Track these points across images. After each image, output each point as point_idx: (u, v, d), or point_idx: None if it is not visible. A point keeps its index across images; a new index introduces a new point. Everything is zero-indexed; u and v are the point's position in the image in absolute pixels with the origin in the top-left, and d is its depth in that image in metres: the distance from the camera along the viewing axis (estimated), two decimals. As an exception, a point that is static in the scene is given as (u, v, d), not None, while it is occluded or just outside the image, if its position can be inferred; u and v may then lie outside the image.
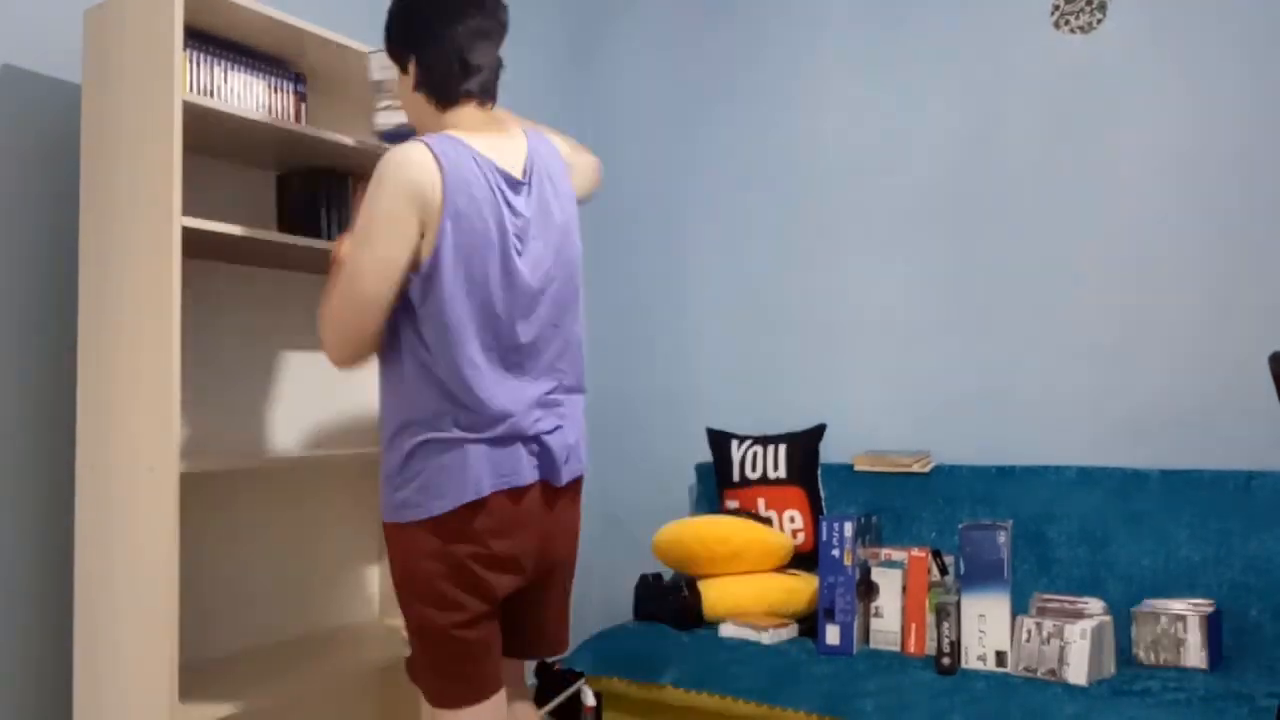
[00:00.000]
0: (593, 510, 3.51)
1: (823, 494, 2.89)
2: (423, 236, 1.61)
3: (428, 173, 1.59)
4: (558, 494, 1.76)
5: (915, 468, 2.78)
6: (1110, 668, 2.22)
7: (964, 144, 2.90)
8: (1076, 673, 2.13)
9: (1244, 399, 2.51)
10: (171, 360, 1.75)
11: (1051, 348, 2.76)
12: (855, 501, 2.86)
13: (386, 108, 2.06)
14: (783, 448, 2.91)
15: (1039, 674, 2.17)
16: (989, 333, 2.85)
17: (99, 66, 1.89)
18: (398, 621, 2.51)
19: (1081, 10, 2.72)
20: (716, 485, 3.01)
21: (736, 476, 2.94)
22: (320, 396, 2.45)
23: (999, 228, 2.84)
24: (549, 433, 1.72)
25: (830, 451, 3.04)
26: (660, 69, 3.46)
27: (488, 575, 1.65)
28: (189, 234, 1.86)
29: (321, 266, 2.32)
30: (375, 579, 2.58)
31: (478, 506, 1.62)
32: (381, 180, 1.60)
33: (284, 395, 2.36)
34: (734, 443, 2.99)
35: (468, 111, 1.74)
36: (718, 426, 3.27)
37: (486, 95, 1.76)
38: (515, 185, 1.70)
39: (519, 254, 1.68)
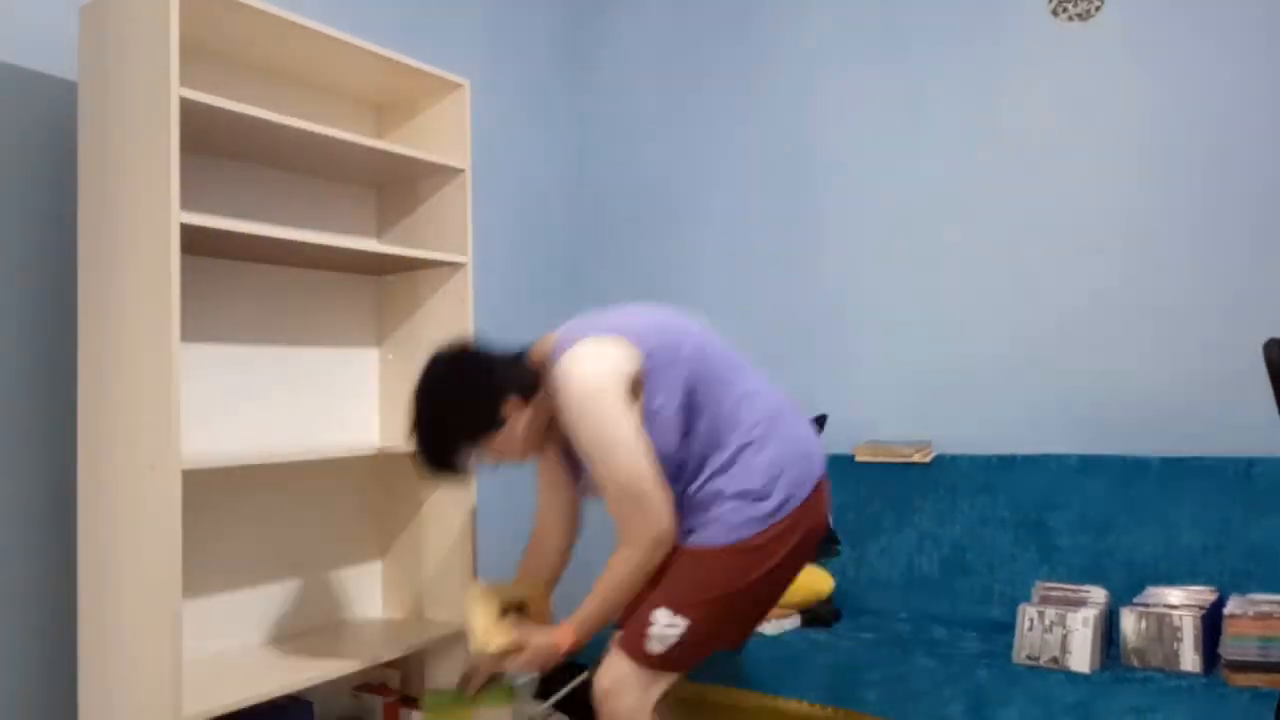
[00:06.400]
0: (596, 503, 3.50)
1: (824, 485, 2.89)
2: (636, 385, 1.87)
3: (621, 350, 1.86)
4: None
5: (916, 458, 2.78)
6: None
7: (963, 134, 2.89)
8: (1079, 660, 2.13)
9: (1244, 386, 2.51)
10: (171, 357, 1.74)
11: (1052, 337, 2.76)
12: (856, 492, 2.86)
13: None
14: (784, 439, 2.90)
15: (1042, 662, 2.18)
16: (989, 323, 2.85)
17: (96, 63, 1.88)
18: (401, 618, 2.52)
19: (1079, -2, 2.72)
20: (718, 477, 3.00)
21: (738, 468, 2.93)
22: (322, 394, 2.45)
23: (1000, 218, 2.84)
24: None
25: (832, 442, 3.04)
26: (658, 65, 3.45)
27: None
28: (187, 230, 1.85)
29: (322, 261, 2.31)
30: (377, 576, 2.58)
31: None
32: (593, 396, 1.82)
33: (285, 392, 2.36)
34: (735, 434, 2.98)
35: (544, 344, 1.96)
36: (718, 418, 3.26)
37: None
38: None
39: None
